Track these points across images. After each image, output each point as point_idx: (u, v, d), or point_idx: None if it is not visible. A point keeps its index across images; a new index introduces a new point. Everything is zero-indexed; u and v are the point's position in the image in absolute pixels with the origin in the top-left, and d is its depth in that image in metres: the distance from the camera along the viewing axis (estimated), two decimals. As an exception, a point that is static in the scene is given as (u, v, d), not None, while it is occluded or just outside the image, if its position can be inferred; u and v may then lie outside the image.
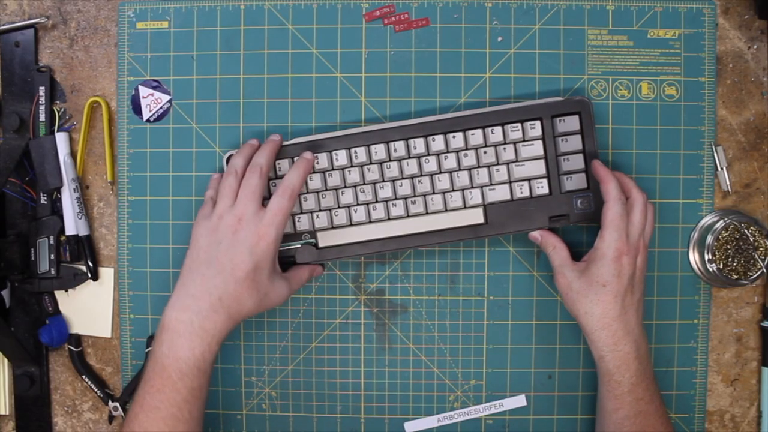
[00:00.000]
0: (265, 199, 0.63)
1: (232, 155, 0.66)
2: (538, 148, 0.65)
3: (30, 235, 0.69)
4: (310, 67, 0.69)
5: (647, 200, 0.62)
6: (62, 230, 0.69)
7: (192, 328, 0.57)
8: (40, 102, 0.69)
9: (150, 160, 0.70)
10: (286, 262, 0.66)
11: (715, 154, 0.68)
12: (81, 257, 0.70)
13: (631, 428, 0.60)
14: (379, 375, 0.70)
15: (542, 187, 0.65)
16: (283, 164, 0.65)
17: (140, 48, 0.70)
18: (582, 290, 0.61)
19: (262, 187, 0.60)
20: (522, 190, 0.65)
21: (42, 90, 0.69)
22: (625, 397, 0.60)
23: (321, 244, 0.66)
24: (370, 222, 0.65)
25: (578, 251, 0.68)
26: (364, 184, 0.65)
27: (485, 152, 0.64)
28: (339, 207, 0.65)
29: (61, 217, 0.69)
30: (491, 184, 0.65)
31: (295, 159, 0.65)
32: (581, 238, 0.69)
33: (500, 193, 0.65)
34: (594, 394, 0.69)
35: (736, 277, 0.66)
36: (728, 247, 0.66)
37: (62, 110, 0.70)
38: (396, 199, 0.65)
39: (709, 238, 0.66)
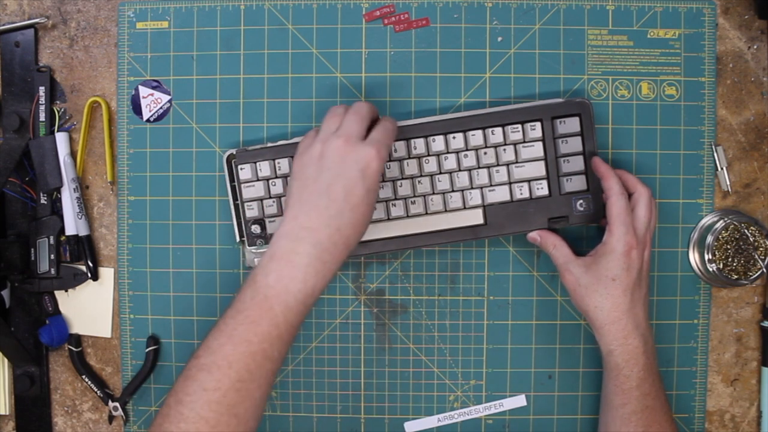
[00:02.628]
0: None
1: (232, 153, 0.66)
2: (538, 149, 0.65)
3: (30, 235, 0.69)
4: (310, 67, 0.69)
5: (651, 195, 0.62)
6: (62, 230, 0.69)
7: (309, 260, 0.53)
8: (40, 102, 0.69)
9: (150, 160, 0.70)
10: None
11: (715, 154, 0.68)
12: (81, 257, 0.70)
13: (638, 423, 0.60)
14: (379, 375, 0.70)
15: (542, 189, 0.65)
16: (283, 163, 0.65)
17: (140, 48, 0.70)
18: (591, 285, 0.61)
19: (370, 115, 0.57)
20: (522, 192, 0.65)
21: (42, 90, 0.69)
22: (633, 392, 0.60)
23: (321, 244, 0.66)
24: (370, 222, 0.65)
25: (578, 250, 0.68)
26: (364, 184, 0.65)
27: (485, 153, 0.64)
28: (339, 207, 0.65)
29: (61, 217, 0.69)
30: (491, 185, 0.65)
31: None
32: (581, 236, 0.69)
33: (500, 194, 0.65)
34: (594, 394, 0.69)
35: (736, 277, 0.66)
36: (728, 247, 0.66)
37: (62, 110, 0.70)
38: (396, 199, 0.65)
39: (709, 238, 0.66)
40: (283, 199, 0.65)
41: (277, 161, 0.65)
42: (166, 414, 0.52)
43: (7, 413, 0.72)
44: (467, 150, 0.65)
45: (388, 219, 0.65)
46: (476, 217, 0.65)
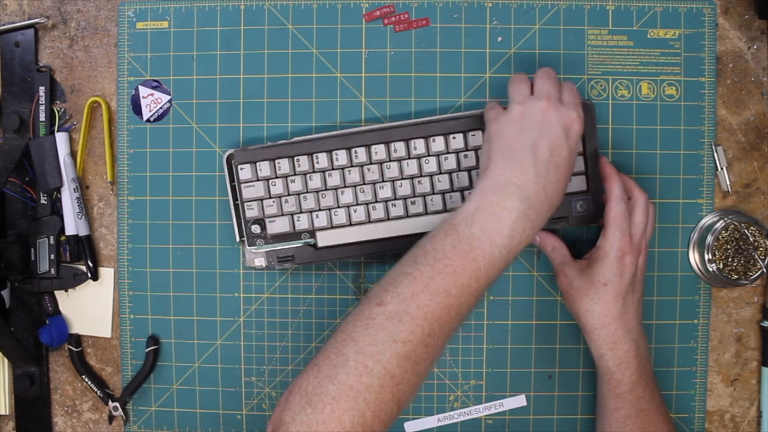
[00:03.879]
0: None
1: (231, 154, 0.66)
2: (538, 148, 0.65)
3: (30, 235, 0.69)
4: (310, 67, 0.69)
5: (649, 200, 0.62)
6: (62, 230, 0.69)
7: (517, 215, 0.51)
8: (40, 102, 0.69)
9: (150, 160, 0.70)
10: (285, 260, 0.66)
11: (715, 154, 0.68)
12: (81, 257, 0.70)
13: (633, 427, 0.60)
14: (379, 375, 0.70)
15: (542, 188, 0.65)
16: (283, 164, 0.65)
17: (140, 48, 0.70)
18: (583, 288, 0.61)
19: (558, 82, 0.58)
20: (522, 191, 0.65)
21: (42, 90, 0.69)
22: (626, 396, 0.60)
23: (320, 244, 0.66)
24: (370, 222, 0.65)
25: (577, 250, 0.68)
26: (364, 184, 0.65)
27: (485, 152, 0.64)
28: (339, 207, 0.65)
29: (61, 217, 0.69)
30: (491, 184, 0.65)
31: (315, 157, 0.65)
32: (581, 237, 0.69)
33: (500, 193, 0.65)
34: (594, 394, 0.69)
35: (736, 277, 0.66)
36: (728, 247, 0.66)
37: (62, 110, 0.70)
38: (396, 199, 0.65)
39: (709, 238, 0.66)
40: (283, 199, 0.65)
41: (277, 161, 0.65)
42: (341, 364, 0.47)
43: (7, 413, 0.72)
44: (467, 150, 0.65)
45: (388, 219, 0.65)
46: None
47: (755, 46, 0.69)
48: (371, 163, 0.65)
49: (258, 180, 0.66)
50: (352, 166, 0.65)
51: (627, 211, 0.60)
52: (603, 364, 0.61)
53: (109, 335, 0.71)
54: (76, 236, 0.69)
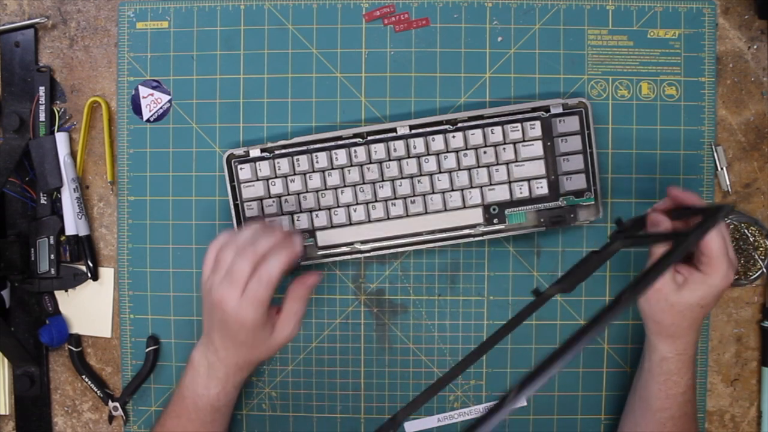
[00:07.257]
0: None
1: (231, 153, 0.66)
2: (537, 148, 0.65)
3: (30, 235, 0.69)
4: (310, 67, 0.69)
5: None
6: (62, 230, 0.69)
7: (210, 372, 0.60)
8: (40, 102, 0.69)
9: (150, 160, 0.70)
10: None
11: (715, 154, 0.68)
12: (81, 257, 0.70)
13: (673, 428, 0.59)
14: (379, 375, 0.70)
15: (542, 188, 0.65)
16: (283, 163, 0.65)
17: (140, 48, 0.70)
18: (677, 305, 0.57)
19: (267, 290, 0.56)
20: (521, 190, 0.65)
21: (42, 90, 0.69)
22: (677, 398, 0.59)
23: (320, 243, 0.66)
24: (370, 221, 0.66)
25: (577, 251, 0.68)
26: (364, 183, 0.65)
27: (485, 152, 0.64)
28: (338, 206, 0.65)
29: (61, 217, 0.69)
30: (491, 184, 0.65)
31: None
32: (581, 235, 0.69)
33: (500, 193, 0.65)
34: (594, 394, 0.69)
35: (736, 277, 0.66)
36: (728, 247, 0.66)
37: (62, 110, 0.70)
38: (395, 198, 0.65)
39: (709, 238, 0.66)
40: (283, 198, 0.65)
41: (276, 161, 0.65)
42: None
43: (7, 413, 0.72)
44: (467, 149, 0.65)
45: (388, 218, 0.65)
46: (476, 216, 0.65)
47: (755, 46, 0.69)
48: (371, 163, 0.65)
49: (258, 180, 0.66)
50: (351, 165, 0.65)
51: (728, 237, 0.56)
52: (664, 365, 0.59)
53: (109, 335, 0.71)
54: (76, 236, 0.69)
